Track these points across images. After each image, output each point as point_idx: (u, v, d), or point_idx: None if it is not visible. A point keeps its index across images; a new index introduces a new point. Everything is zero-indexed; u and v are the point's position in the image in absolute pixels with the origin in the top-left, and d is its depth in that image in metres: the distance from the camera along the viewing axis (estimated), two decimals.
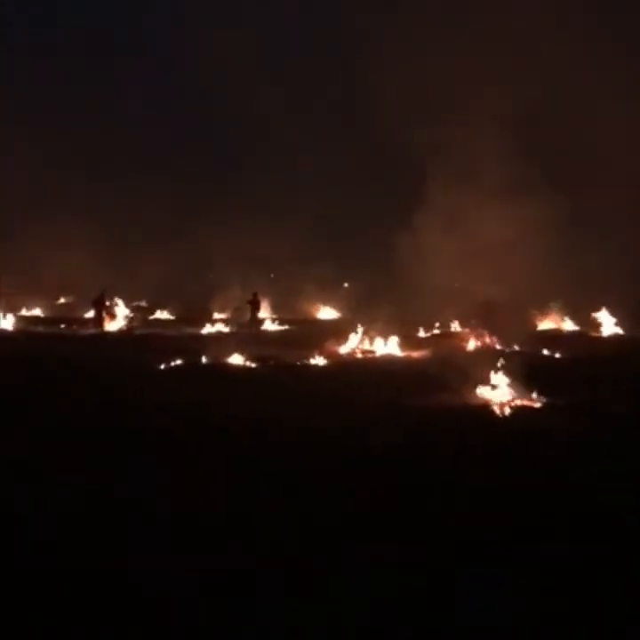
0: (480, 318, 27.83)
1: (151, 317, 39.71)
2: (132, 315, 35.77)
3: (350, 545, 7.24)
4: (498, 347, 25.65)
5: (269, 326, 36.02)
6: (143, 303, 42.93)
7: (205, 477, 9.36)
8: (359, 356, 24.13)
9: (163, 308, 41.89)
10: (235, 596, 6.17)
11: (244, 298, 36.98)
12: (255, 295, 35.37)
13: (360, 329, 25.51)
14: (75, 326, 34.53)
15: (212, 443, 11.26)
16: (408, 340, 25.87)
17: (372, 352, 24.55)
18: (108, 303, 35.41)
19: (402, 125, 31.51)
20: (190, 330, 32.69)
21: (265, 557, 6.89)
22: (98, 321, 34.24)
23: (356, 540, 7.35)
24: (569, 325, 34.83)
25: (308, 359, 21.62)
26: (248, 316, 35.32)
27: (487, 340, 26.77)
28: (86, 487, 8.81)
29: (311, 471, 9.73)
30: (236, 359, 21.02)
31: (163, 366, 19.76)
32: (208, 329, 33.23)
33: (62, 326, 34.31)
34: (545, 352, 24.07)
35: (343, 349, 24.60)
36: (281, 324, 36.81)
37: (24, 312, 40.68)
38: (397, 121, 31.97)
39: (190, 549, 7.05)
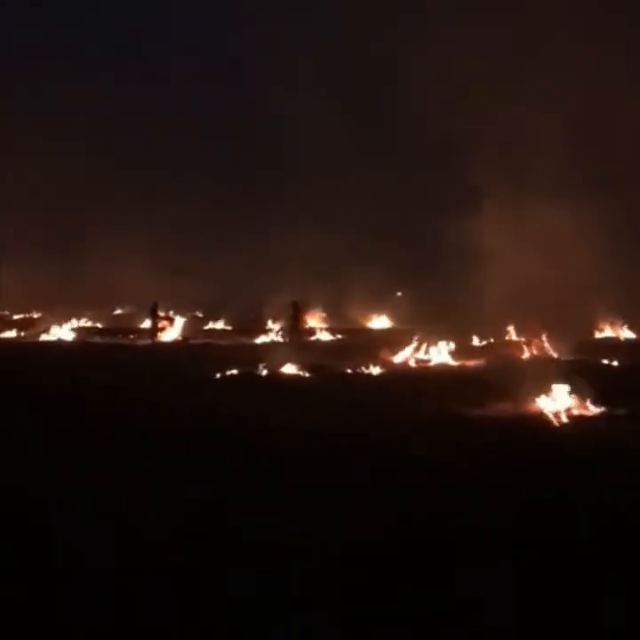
0: (537, 326, 27.54)
1: (206, 327, 40.05)
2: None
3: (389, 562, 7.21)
4: (554, 355, 25.35)
5: (321, 336, 36.12)
6: (199, 313, 43.26)
7: (243, 484, 9.41)
8: (413, 365, 24.05)
9: (218, 318, 42.21)
10: None
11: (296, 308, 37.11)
12: (295, 305, 35.06)
13: (414, 338, 25.42)
14: (131, 336, 35.04)
15: (258, 449, 11.33)
16: (462, 349, 25.70)
17: (426, 361, 24.45)
18: (161, 313, 35.86)
19: (457, 125, 31.31)
20: (245, 339, 32.92)
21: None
22: (152, 331, 34.70)
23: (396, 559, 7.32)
24: (627, 333, 34.29)
25: (362, 369, 21.62)
26: (291, 326, 34.98)
27: (543, 347, 26.48)
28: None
29: (357, 482, 9.72)
30: (290, 369, 21.12)
31: (218, 376, 19.93)
32: (262, 338, 33.44)
33: (119, 336, 34.81)
34: (603, 361, 23.72)
35: (397, 359, 24.54)
36: (333, 333, 36.85)
37: (83, 323, 41.32)
38: (453, 121, 31.79)
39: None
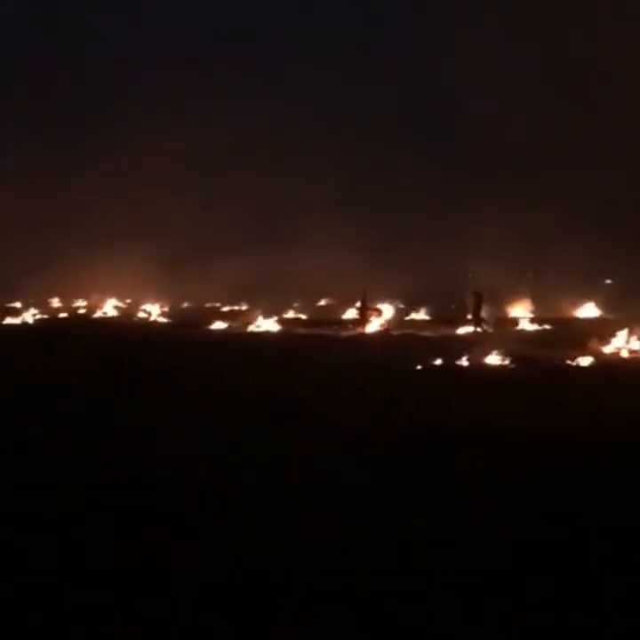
0: None
1: (407, 318, 40.03)
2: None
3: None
4: None
5: (526, 326, 35.32)
6: (400, 304, 43.37)
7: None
8: (625, 355, 22.88)
9: (419, 308, 42.10)
10: None
11: (496, 297, 36.66)
12: (477, 295, 34.48)
13: (626, 327, 24.18)
14: (334, 327, 35.55)
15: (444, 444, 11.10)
16: None
17: None
18: (367, 304, 36.27)
19: None
20: (446, 330, 32.64)
21: None
22: (360, 321, 35.16)
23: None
24: None
25: (570, 360, 20.81)
26: (474, 316, 34.36)
27: None
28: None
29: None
30: (494, 359, 20.68)
31: (419, 367, 19.78)
32: (464, 329, 33.05)
33: (324, 327, 35.35)
34: None
35: (607, 349, 23.42)
36: (538, 323, 35.90)
37: (289, 314, 42.42)
38: None
39: None
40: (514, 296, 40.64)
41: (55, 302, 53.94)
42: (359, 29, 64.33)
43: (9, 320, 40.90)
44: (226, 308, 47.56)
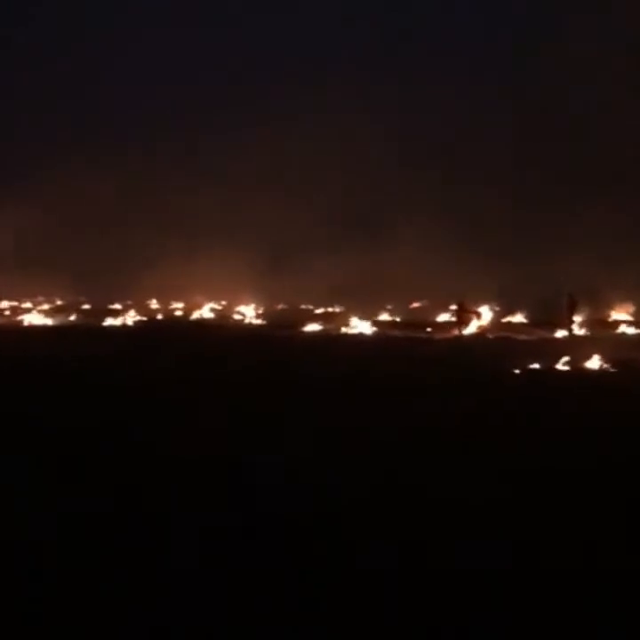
0: None
1: (503, 321, 39.48)
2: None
3: None
4: None
5: (626, 329, 34.53)
6: (495, 307, 42.85)
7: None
8: None
9: (515, 311, 41.46)
10: None
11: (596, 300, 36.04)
12: (570, 297, 34.03)
13: None
14: (428, 330, 35.32)
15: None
16: None
17: None
18: (459, 307, 35.95)
19: None
20: (544, 333, 32.21)
21: None
22: (457, 324, 34.89)
23: None
24: None
25: None
26: (566, 319, 33.93)
27: None
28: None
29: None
30: (594, 363, 20.25)
31: (517, 371, 19.49)
32: (562, 332, 32.52)
33: (417, 330, 35.15)
34: None
35: None
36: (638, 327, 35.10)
37: (383, 317, 42.31)
38: None
39: None
40: (614, 299, 39.81)
41: (153, 304, 55.08)
42: (454, 29, 63.95)
43: (110, 321, 41.94)
44: (319, 310, 47.77)
